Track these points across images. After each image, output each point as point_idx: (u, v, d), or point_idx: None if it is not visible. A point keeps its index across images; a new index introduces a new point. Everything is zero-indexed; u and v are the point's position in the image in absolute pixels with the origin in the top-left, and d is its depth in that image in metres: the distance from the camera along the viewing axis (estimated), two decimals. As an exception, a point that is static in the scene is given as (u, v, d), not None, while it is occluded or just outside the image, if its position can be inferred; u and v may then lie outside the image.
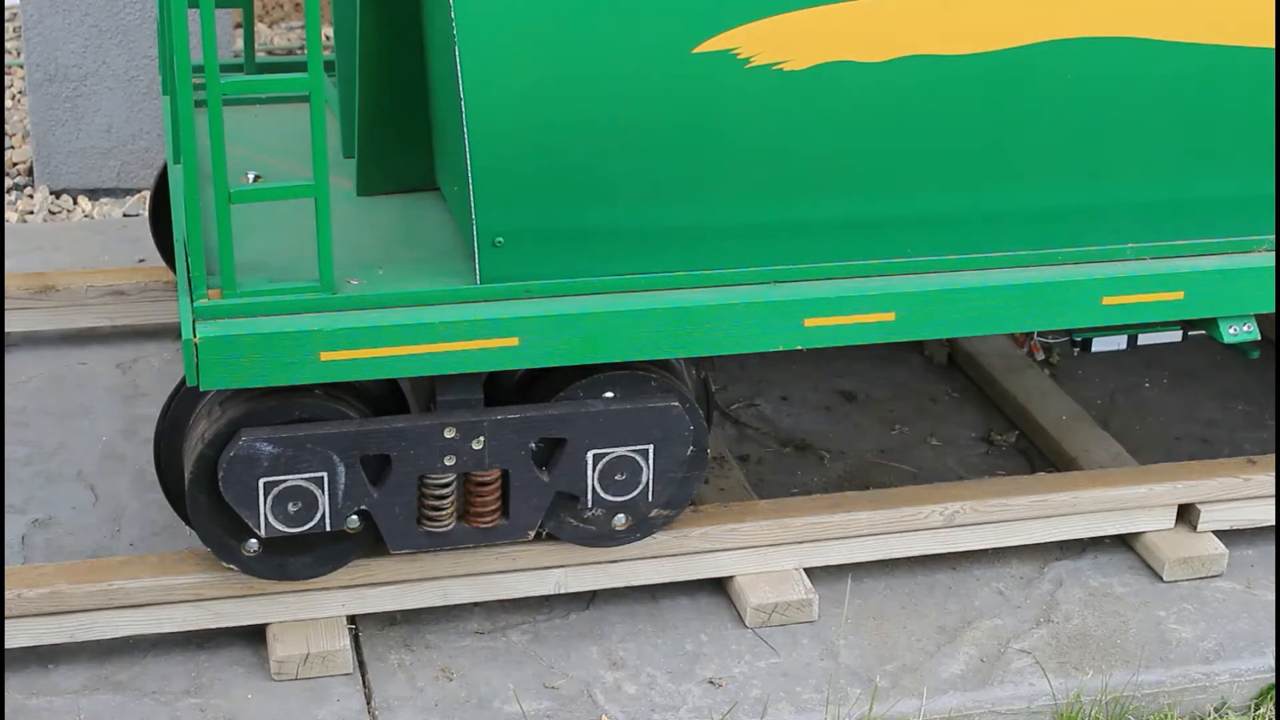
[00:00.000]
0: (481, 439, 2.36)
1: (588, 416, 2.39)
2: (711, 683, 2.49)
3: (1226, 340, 2.59)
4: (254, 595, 2.46)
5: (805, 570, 2.67)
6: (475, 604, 2.61)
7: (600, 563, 2.57)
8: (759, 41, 2.23)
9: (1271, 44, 2.42)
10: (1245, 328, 2.60)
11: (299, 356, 2.22)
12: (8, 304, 3.38)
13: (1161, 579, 2.77)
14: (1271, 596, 2.74)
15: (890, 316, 2.41)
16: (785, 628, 2.61)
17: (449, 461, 2.36)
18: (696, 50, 2.22)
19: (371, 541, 2.44)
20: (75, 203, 4.40)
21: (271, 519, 2.33)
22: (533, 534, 2.48)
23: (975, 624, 2.65)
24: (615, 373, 2.42)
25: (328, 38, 4.97)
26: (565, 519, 2.50)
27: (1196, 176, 2.51)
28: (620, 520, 2.51)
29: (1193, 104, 2.44)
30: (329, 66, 2.97)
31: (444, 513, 2.41)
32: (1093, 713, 2.49)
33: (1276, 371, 3.43)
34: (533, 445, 2.40)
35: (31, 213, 4.32)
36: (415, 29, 2.44)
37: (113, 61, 4.30)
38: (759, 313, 2.36)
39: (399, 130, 2.55)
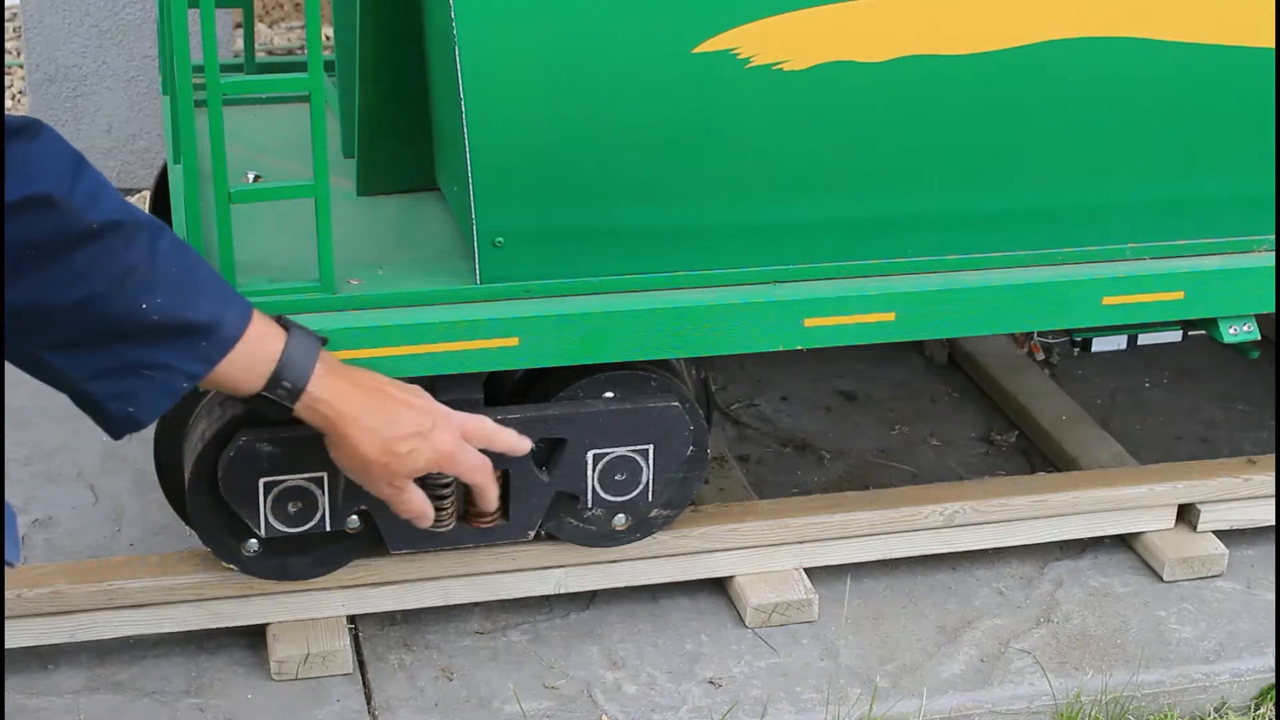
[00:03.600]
0: (481, 439, 2.36)
1: (588, 416, 2.39)
2: (711, 683, 2.49)
3: (1226, 340, 2.59)
4: (254, 595, 2.47)
5: (805, 570, 2.67)
6: (475, 604, 2.61)
7: (600, 563, 2.57)
8: (759, 41, 2.23)
9: (1271, 44, 2.42)
10: (1245, 328, 2.60)
11: (299, 356, 2.22)
12: (8, 304, 3.37)
13: (1161, 579, 2.77)
14: (1271, 596, 2.74)
15: (890, 316, 2.41)
16: (785, 628, 2.61)
17: (449, 461, 2.36)
18: (696, 50, 2.21)
19: (371, 541, 2.44)
20: (75, 203, 4.40)
21: (271, 519, 2.33)
22: (533, 534, 2.48)
23: (975, 624, 2.65)
24: (615, 373, 2.42)
25: (328, 38, 4.96)
26: (565, 519, 2.50)
27: (1196, 176, 2.51)
28: (620, 520, 2.51)
29: (1193, 104, 2.44)
30: (329, 66, 2.97)
31: (444, 513, 2.41)
32: (1093, 713, 2.49)
33: (1276, 371, 3.43)
34: (532, 445, 2.40)
35: (31, 213, 4.32)
36: (415, 29, 2.44)
37: (113, 61, 4.30)
38: (759, 313, 2.36)
39: (399, 130, 2.55)
